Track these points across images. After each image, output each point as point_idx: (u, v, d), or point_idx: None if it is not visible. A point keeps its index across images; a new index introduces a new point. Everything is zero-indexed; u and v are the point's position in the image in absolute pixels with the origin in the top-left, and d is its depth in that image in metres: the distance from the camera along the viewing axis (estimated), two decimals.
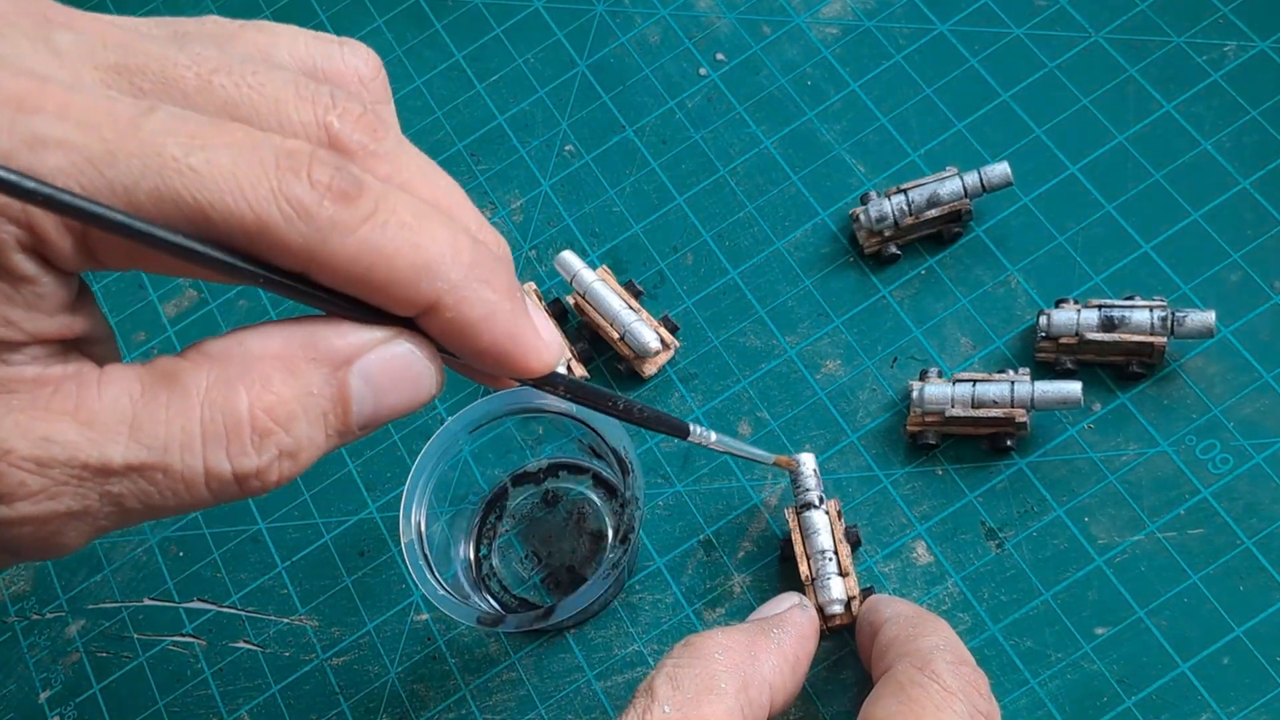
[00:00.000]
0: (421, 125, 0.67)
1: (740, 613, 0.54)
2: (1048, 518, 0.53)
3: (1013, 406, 0.53)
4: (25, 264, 0.27)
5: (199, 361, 0.29)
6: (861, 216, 0.58)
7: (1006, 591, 0.52)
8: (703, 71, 0.65)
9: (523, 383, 0.35)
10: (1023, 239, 0.58)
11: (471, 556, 0.57)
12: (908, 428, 0.55)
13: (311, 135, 0.29)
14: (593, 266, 0.61)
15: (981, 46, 0.62)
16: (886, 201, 0.58)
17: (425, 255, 0.29)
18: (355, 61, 0.32)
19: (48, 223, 0.26)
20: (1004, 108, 0.61)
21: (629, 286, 0.59)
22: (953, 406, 0.53)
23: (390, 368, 0.30)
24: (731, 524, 0.56)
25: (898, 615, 0.47)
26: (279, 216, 0.27)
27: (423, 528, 0.52)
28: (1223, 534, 0.51)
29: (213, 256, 0.27)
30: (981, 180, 0.57)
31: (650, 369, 0.58)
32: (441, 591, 0.50)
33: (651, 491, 0.57)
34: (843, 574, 0.51)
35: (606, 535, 0.56)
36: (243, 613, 0.59)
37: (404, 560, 0.52)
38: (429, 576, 0.51)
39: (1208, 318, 0.52)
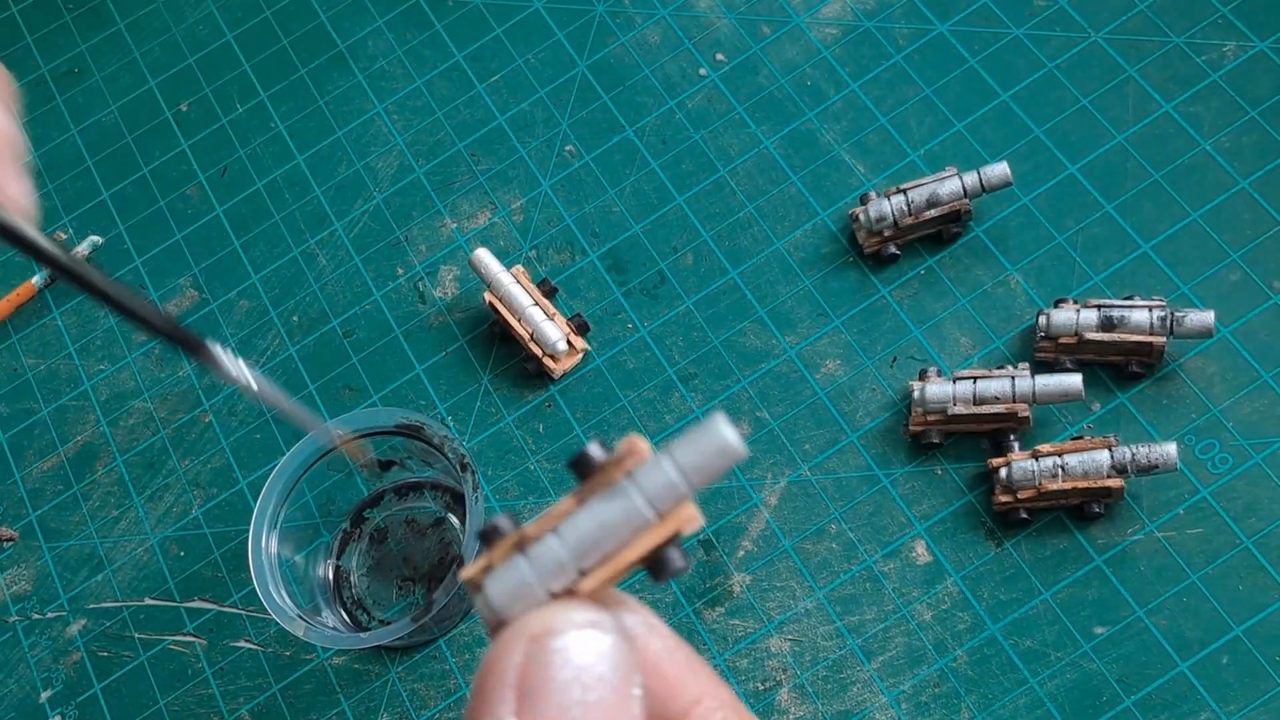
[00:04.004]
0: (422, 125, 0.67)
1: (740, 612, 0.54)
2: (1047, 517, 0.53)
3: (1014, 401, 0.53)
4: None
5: None
6: (861, 216, 0.58)
7: (1006, 591, 0.52)
8: (702, 72, 0.65)
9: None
10: (1022, 239, 0.58)
11: (329, 577, 0.58)
12: (911, 428, 0.55)
13: None
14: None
15: (981, 47, 0.62)
16: (886, 201, 0.58)
17: None
18: None
19: None
20: (1003, 108, 0.61)
21: (543, 285, 0.60)
22: (954, 404, 0.53)
23: None
24: (731, 524, 0.56)
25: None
26: None
27: (274, 551, 0.54)
28: (1222, 533, 0.51)
29: None
30: (981, 180, 0.57)
31: (559, 369, 0.59)
32: (282, 605, 0.52)
33: None
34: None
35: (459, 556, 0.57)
36: (243, 612, 0.59)
37: (255, 583, 0.53)
38: (272, 593, 0.52)
39: (1207, 318, 0.52)
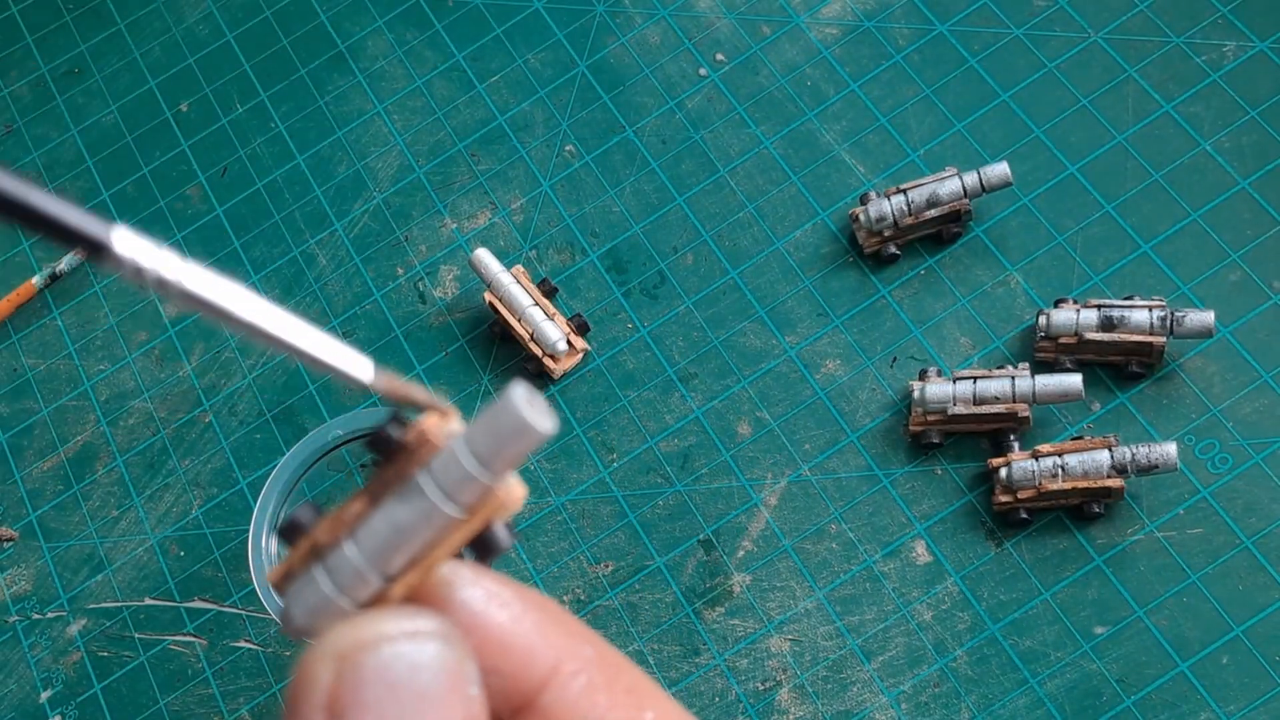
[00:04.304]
0: (421, 125, 0.67)
1: (740, 612, 0.54)
2: (1047, 517, 0.53)
3: (1014, 401, 0.53)
4: None
5: None
6: (861, 216, 0.59)
7: (1006, 591, 0.52)
8: (703, 72, 0.65)
9: None
10: (1022, 239, 0.58)
11: None
12: (911, 428, 0.55)
13: None
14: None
15: (981, 47, 0.62)
16: (886, 201, 0.58)
17: None
18: None
19: None
20: (1003, 108, 0.61)
21: (543, 285, 0.60)
22: (955, 404, 0.53)
23: None
24: (731, 524, 0.56)
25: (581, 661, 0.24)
26: None
27: (274, 551, 0.53)
28: (1222, 533, 0.51)
29: None
30: (981, 180, 0.57)
31: (559, 369, 0.59)
32: (282, 605, 0.52)
33: (651, 491, 0.57)
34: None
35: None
36: (243, 612, 0.59)
37: (255, 583, 0.53)
38: (273, 594, 0.52)
39: (1207, 317, 0.52)
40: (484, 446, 0.21)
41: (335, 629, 0.21)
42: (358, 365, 0.22)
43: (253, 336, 0.22)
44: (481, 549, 0.22)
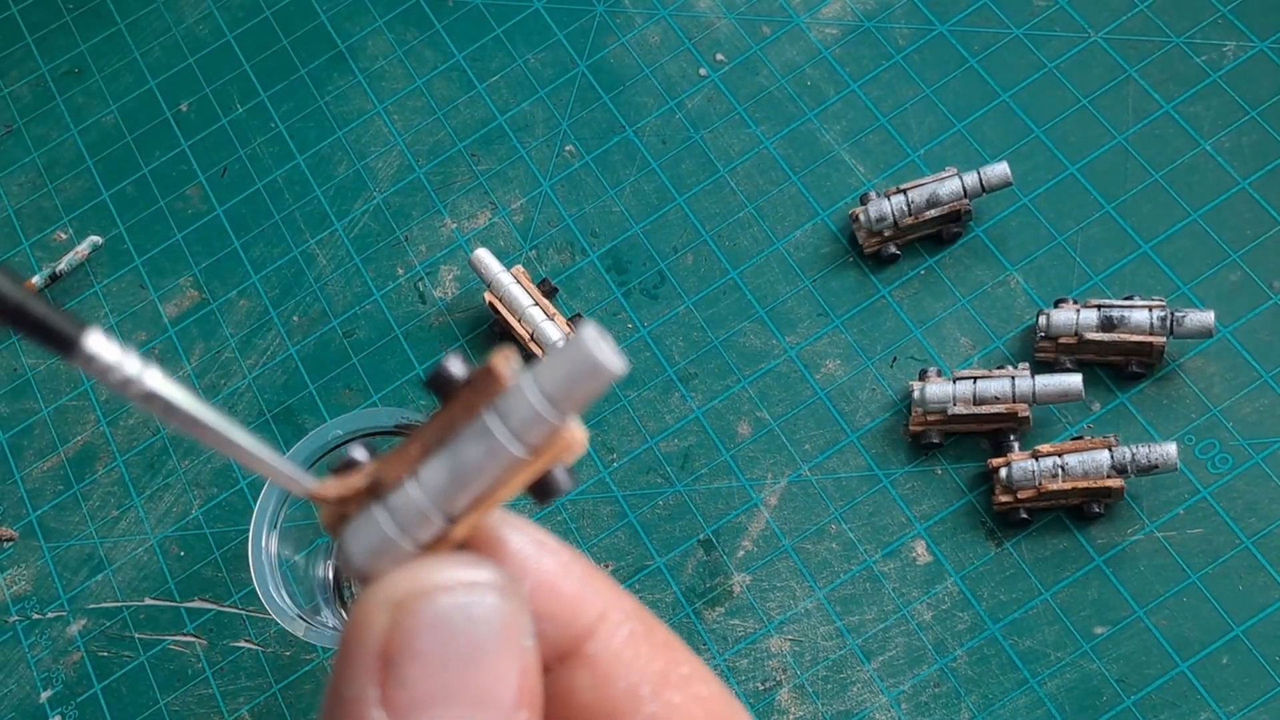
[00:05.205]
0: (421, 125, 0.67)
1: (740, 612, 0.54)
2: (1047, 517, 0.53)
3: (1014, 401, 0.53)
4: None
5: None
6: (861, 216, 0.59)
7: (1006, 591, 0.52)
8: (703, 72, 0.65)
9: None
10: (1022, 239, 0.58)
11: (329, 577, 0.58)
12: (910, 428, 0.55)
13: None
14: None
15: (981, 47, 0.62)
16: (886, 201, 0.58)
17: None
18: None
19: None
20: (1003, 108, 0.61)
21: (543, 285, 0.60)
22: (955, 404, 0.53)
23: None
24: (731, 524, 0.56)
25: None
26: None
27: (274, 551, 0.53)
28: (1222, 533, 0.51)
29: None
30: (981, 180, 0.57)
31: None
32: (282, 604, 0.52)
33: (651, 491, 0.57)
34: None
35: None
36: (244, 612, 0.59)
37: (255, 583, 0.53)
38: (272, 593, 0.52)
39: (1207, 318, 0.52)
40: (554, 386, 0.21)
41: (392, 574, 0.21)
42: (302, 478, 0.23)
43: (207, 441, 0.22)
44: (541, 492, 0.22)
